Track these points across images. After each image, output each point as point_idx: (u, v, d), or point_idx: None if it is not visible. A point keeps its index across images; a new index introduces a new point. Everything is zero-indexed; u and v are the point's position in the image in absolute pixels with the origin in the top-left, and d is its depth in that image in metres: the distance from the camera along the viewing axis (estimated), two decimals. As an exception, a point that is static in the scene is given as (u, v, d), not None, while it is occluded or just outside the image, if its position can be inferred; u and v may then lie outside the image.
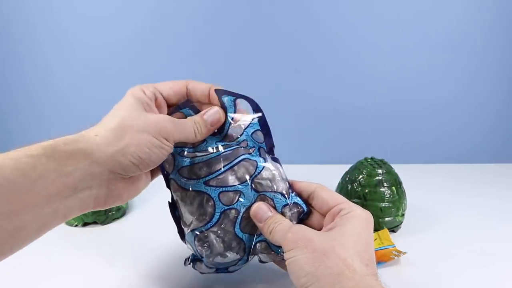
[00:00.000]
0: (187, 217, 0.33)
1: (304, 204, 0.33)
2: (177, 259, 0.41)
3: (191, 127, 0.32)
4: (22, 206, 0.22)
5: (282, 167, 0.35)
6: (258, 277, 0.37)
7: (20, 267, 0.40)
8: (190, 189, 0.33)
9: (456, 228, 0.50)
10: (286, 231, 0.29)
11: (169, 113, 0.34)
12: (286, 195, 0.33)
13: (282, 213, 0.33)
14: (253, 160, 0.34)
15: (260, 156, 0.35)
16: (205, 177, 0.33)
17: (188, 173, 0.34)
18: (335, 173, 0.56)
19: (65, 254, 0.43)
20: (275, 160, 0.35)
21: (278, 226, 0.30)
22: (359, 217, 0.30)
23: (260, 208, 0.32)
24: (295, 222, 0.33)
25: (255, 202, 0.33)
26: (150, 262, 0.41)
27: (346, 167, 0.54)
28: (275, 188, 0.33)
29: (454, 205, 0.58)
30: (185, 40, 0.77)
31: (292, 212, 0.33)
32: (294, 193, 0.34)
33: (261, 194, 0.33)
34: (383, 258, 0.40)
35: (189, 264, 0.35)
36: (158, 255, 0.42)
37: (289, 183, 0.34)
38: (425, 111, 0.82)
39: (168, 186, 0.35)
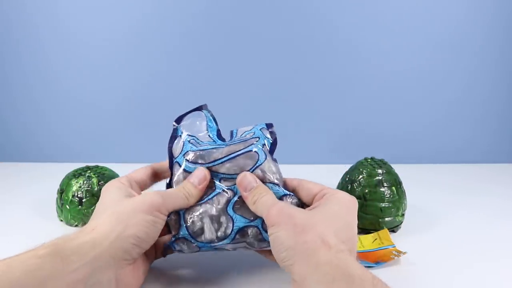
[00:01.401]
0: None
1: (295, 198, 0.35)
2: (176, 258, 0.41)
3: (181, 195, 0.33)
4: None
5: (279, 169, 0.37)
6: (257, 277, 0.38)
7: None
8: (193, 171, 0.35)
9: (456, 228, 0.50)
10: (270, 205, 0.31)
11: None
12: (282, 187, 0.35)
13: None
14: (255, 153, 0.35)
15: (263, 150, 0.36)
16: (209, 163, 0.35)
17: (194, 157, 0.35)
18: (335, 173, 0.56)
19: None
20: (275, 160, 0.37)
21: (262, 197, 0.32)
22: (341, 199, 0.32)
23: (246, 177, 0.33)
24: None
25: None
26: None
27: (346, 167, 0.54)
28: (274, 180, 0.35)
29: (454, 205, 0.58)
30: (185, 40, 0.77)
31: (289, 201, 0.34)
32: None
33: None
34: (383, 258, 0.40)
35: (171, 247, 0.35)
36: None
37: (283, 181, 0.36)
38: (426, 111, 0.82)
39: (171, 167, 0.36)
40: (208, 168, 0.35)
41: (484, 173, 0.77)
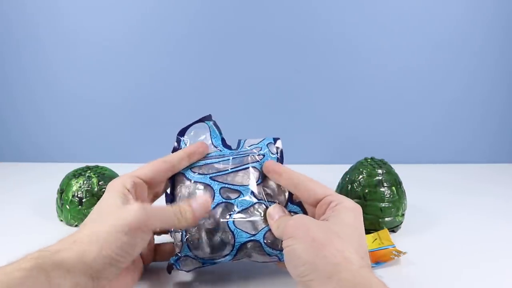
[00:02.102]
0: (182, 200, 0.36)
1: (301, 212, 0.35)
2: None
3: (171, 214, 0.31)
4: None
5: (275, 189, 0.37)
6: (256, 279, 0.37)
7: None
8: (196, 181, 0.35)
9: (456, 228, 0.50)
10: (288, 220, 0.30)
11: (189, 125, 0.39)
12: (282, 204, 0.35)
13: None
14: (259, 169, 0.37)
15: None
16: (212, 174, 0.36)
17: (198, 170, 0.36)
18: (335, 173, 0.56)
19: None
20: None
21: (285, 220, 0.31)
22: (351, 209, 0.30)
23: (276, 209, 0.33)
24: None
25: (250, 207, 0.34)
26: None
27: (346, 167, 0.54)
28: (273, 199, 0.35)
29: (454, 205, 0.58)
30: (185, 40, 0.77)
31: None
32: (293, 204, 0.36)
33: (258, 201, 0.35)
34: (383, 258, 0.40)
35: (173, 266, 0.34)
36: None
37: (289, 193, 0.36)
38: (425, 111, 0.82)
39: (173, 179, 0.37)
40: (211, 177, 0.36)
41: (484, 173, 0.77)
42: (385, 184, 0.47)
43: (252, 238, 0.33)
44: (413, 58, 0.79)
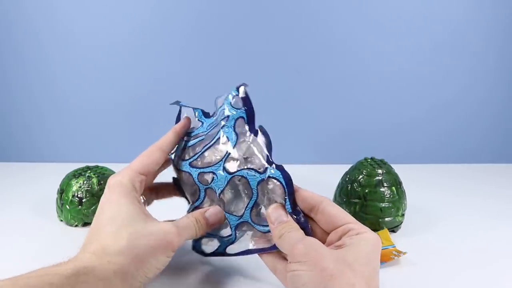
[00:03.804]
0: (187, 193, 0.37)
1: (281, 177, 0.31)
2: (176, 258, 0.41)
3: (193, 228, 0.32)
4: None
5: (265, 137, 0.33)
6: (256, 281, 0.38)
7: (19, 267, 0.39)
8: (181, 169, 0.36)
9: (456, 228, 0.50)
10: (297, 240, 0.28)
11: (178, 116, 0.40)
12: (260, 170, 0.32)
13: (258, 191, 0.32)
14: (228, 131, 0.34)
15: (235, 130, 0.34)
16: (189, 159, 0.36)
17: (181, 154, 0.37)
18: (335, 173, 0.56)
19: (65, 254, 0.43)
20: (254, 131, 0.34)
21: (289, 232, 0.29)
22: (371, 240, 0.28)
23: (277, 210, 0.31)
24: (280, 201, 0.31)
25: (227, 184, 0.33)
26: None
27: (346, 167, 0.54)
28: (247, 165, 0.32)
29: (454, 205, 0.58)
30: (185, 40, 0.77)
31: (271, 187, 0.31)
32: (273, 165, 0.32)
33: (233, 176, 0.33)
34: (383, 258, 0.40)
35: (194, 247, 0.37)
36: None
37: (268, 156, 0.32)
38: (425, 111, 0.82)
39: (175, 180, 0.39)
40: (189, 164, 0.35)
41: (484, 173, 0.77)
42: (385, 184, 0.47)
43: (240, 220, 0.34)
44: (413, 58, 0.79)
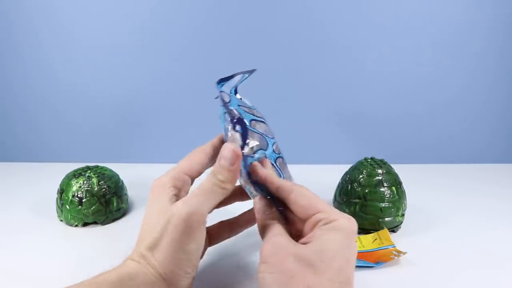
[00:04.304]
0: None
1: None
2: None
3: (217, 191, 0.29)
4: None
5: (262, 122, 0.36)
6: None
7: (19, 267, 0.40)
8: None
9: (456, 228, 0.50)
10: (267, 239, 0.28)
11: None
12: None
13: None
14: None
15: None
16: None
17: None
18: (335, 173, 0.56)
19: (65, 254, 0.43)
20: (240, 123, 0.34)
21: (268, 227, 0.29)
22: (341, 229, 0.26)
23: (258, 204, 0.31)
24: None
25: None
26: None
27: (346, 167, 0.54)
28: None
29: (454, 205, 0.58)
30: (186, 40, 0.77)
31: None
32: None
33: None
34: (383, 258, 0.40)
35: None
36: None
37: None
38: (425, 111, 0.82)
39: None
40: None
41: (484, 173, 0.77)
42: (385, 184, 0.47)
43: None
44: (413, 58, 0.79)
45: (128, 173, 0.62)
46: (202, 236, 0.29)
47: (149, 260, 0.28)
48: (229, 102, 0.35)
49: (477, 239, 0.47)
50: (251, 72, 0.39)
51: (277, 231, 0.28)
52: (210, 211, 0.30)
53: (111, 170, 0.53)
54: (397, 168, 0.51)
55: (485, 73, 0.81)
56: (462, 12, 0.77)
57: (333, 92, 0.81)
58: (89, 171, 0.50)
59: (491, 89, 0.82)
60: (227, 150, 0.29)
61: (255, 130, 0.34)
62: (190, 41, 0.77)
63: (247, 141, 0.32)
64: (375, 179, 0.48)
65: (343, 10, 0.77)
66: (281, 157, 0.35)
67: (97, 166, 0.52)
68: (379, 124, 0.82)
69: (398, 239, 0.45)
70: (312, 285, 0.24)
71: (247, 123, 0.33)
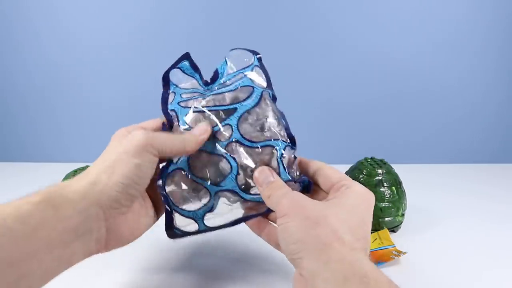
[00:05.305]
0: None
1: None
2: (177, 258, 0.41)
3: (176, 136, 0.31)
4: (24, 254, 0.22)
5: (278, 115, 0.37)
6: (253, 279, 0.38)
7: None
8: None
9: (456, 228, 0.50)
10: (282, 196, 0.28)
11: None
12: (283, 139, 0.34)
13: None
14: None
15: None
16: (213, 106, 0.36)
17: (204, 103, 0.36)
18: (335, 173, 0.56)
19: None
20: (273, 99, 0.36)
21: (276, 191, 0.30)
22: (358, 193, 0.29)
23: (264, 172, 0.31)
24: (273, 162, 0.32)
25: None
26: (149, 262, 0.41)
27: (346, 167, 0.54)
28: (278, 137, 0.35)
29: (454, 205, 0.58)
30: (186, 40, 0.77)
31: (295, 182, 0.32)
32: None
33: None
34: (383, 258, 0.40)
35: (169, 228, 0.33)
36: (158, 255, 0.42)
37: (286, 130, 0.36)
38: (425, 111, 0.82)
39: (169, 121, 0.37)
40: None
41: (484, 174, 0.77)
42: (385, 184, 0.47)
43: (220, 188, 0.32)
44: (413, 58, 0.79)
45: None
46: (149, 160, 0.29)
47: (82, 175, 0.27)
48: (172, 101, 0.37)
49: (477, 239, 0.47)
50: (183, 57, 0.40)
51: (288, 191, 0.29)
52: (161, 162, 0.31)
53: (111, 170, 0.53)
54: (397, 168, 0.51)
55: (485, 73, 0.81)
56: (461, 13, 0.77)
57: (333, 92, 0.81)
58: (89, 171, 0.50)
59: (491, 89, 0.82)
60: (201, 125, 0.33)
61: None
62: (191, 41, 0.77)
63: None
64: (375, 179, 0.48)
65: (346, 10, 0.77)
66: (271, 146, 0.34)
67: (97, 166, 0.52)
68: (379, 124, 0.82)
69: (398, 239, 0.45)
70: (336, 228, 0.25)
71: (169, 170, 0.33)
